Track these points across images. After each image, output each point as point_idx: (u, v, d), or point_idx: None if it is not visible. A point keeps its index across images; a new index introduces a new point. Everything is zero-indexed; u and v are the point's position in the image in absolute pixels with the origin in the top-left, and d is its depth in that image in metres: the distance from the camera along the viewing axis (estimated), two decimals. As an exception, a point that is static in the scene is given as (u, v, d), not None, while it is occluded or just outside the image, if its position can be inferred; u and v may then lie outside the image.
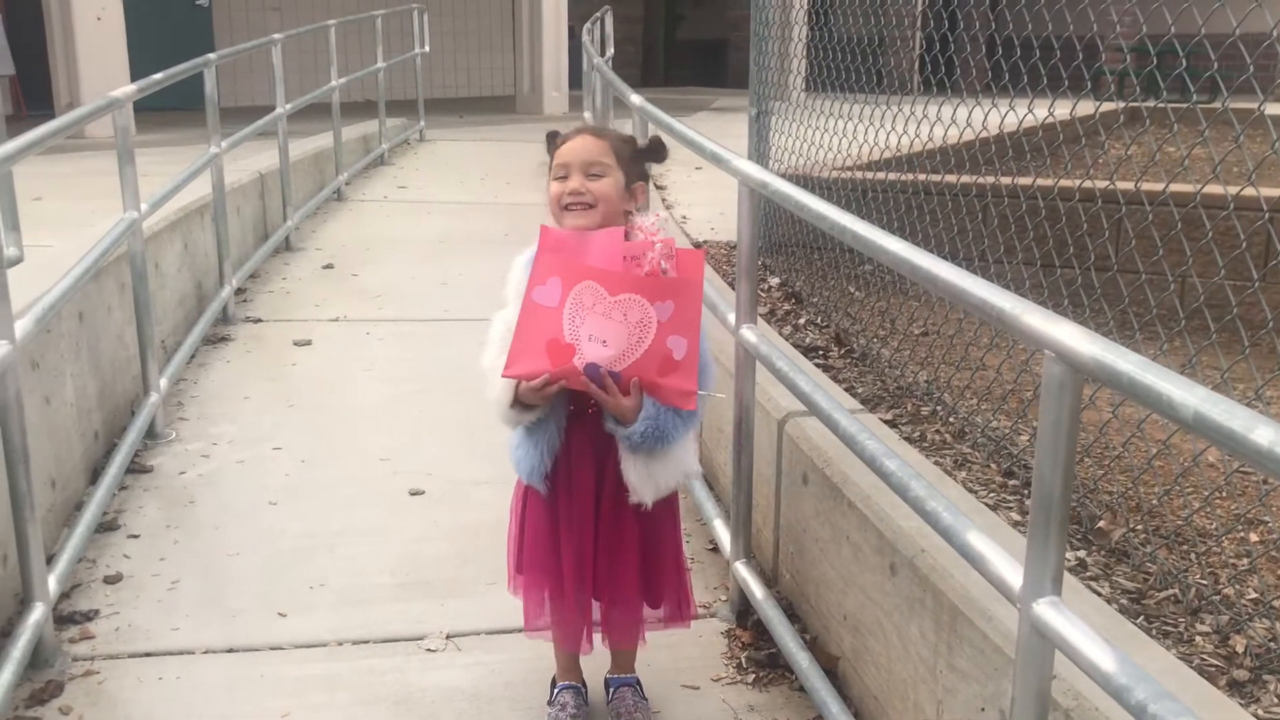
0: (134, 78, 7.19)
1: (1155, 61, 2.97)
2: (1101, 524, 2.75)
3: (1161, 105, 3.71)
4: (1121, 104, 4.93)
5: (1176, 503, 2.95)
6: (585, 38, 8.51)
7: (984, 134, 4.23)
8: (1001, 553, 1.61)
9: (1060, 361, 1.39)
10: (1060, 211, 3.82)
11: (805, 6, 7.30)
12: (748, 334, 2.72)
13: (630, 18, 19.44)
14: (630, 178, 2.30)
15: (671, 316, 2.13)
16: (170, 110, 10.58)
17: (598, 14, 10.24)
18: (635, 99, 4.04)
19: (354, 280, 6.22)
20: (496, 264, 2.25)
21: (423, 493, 3.69)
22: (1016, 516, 2.72)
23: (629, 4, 19.41)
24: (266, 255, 6.39)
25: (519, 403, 2.21)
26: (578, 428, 2.29)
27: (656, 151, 2.40)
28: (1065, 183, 4.03)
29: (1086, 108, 3.68)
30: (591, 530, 2.32)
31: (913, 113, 4.28)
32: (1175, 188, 3.75)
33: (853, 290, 4.96)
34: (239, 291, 5.71)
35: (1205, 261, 4.11)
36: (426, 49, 11.54)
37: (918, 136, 4.26)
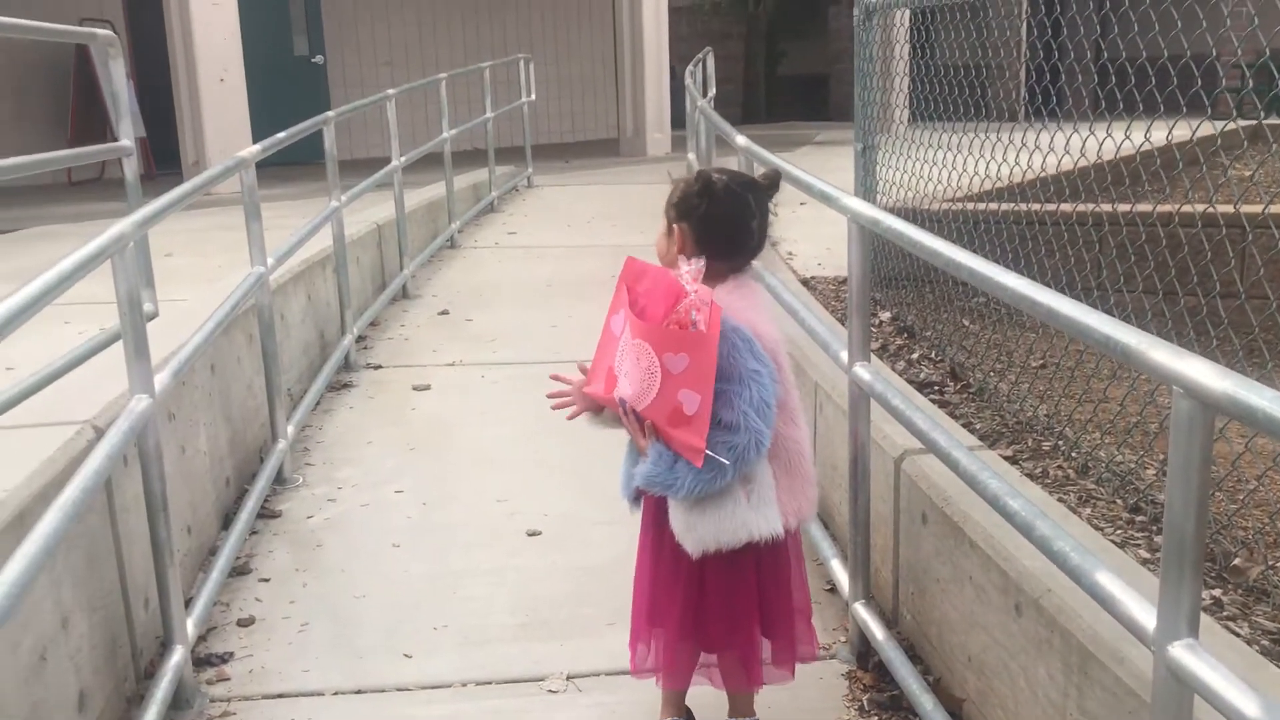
0: (254, 134, 7.51)
1: None
2: (1237, 561, 2.65)
3: (1286, 125, 3.59)
4: (1243, 123, 4.78)
5: (1318, 538, 2.83)
6: (688, 80, 8.59)
7: (1098, 161, 4.15)
8: (1133, 593, 1.57)
9: (1189, 397, 1.36)
10: (1181, 238, 3.72)
11: (907, 40, 7.29)
12: (861, 372, 2.71)
13: (731, 56, 19.58)
14: (669, 221, 2.36)
15: (685, 370, 2.12)
16: (288, 165, 10.98)
17: (699, 55, 10.34)
18: (740, 140, 4.07)
19: (468, 325, 6.35)
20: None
21: (540, 533, 3.74)
22: (1145, 554, 2.64)
23: (729, 43, 19.56)
24: (385, 303, 6.57)
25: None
26: None
27: (681, 201, 2.33)
28: (1186, 208, 3.92)
29: (1206, 130, 3.57)
30: (660, 561, 2.36)
31: (1023, 143, 4.22)
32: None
33: (966, 323, 4.89)
34: (360, 339, 5.89)
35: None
36: (533, 97, 11.78)
37: (1029, 166, 4.20)
